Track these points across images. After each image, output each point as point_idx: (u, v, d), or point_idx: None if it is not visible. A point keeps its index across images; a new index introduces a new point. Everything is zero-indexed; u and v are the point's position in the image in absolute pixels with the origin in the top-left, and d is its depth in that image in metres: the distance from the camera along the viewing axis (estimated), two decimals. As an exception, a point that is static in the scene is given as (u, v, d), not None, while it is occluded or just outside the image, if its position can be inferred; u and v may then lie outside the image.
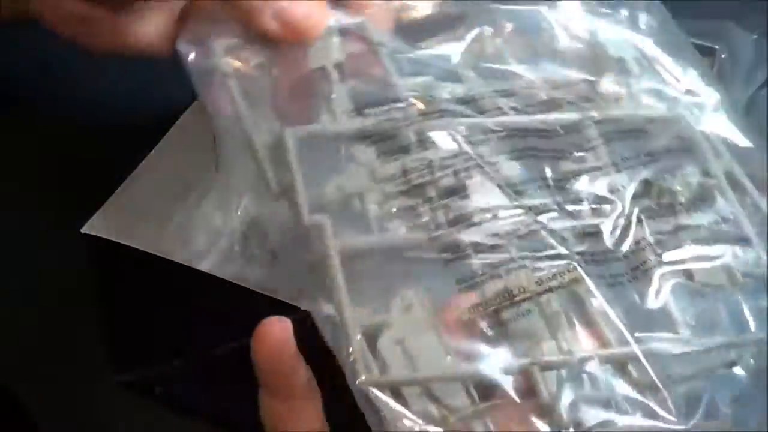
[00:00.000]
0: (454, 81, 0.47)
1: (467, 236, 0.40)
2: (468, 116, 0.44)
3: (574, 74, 0.49)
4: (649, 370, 0.39)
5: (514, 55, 0.48)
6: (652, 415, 0.39)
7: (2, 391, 0.46)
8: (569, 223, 0.42)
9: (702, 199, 0.46)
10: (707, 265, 0.43)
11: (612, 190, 0.44)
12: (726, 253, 0.44)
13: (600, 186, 0.44)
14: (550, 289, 0.39)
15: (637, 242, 0.43)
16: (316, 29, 0.44)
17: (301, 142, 0.42)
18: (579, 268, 0.40)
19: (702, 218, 0.45)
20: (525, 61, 0.49)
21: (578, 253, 0.41)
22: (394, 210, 0.41)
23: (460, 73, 0.48)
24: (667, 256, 0.43)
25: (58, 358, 0.46)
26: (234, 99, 0.44)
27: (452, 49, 0.48)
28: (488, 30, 0.49)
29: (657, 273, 0.42)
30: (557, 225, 0.42)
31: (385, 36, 0.47)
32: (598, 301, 0.40)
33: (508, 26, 0.49)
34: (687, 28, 0.52)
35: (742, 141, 0.48)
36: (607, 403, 0.38)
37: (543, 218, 0.42)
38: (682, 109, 0.48)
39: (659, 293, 0.42)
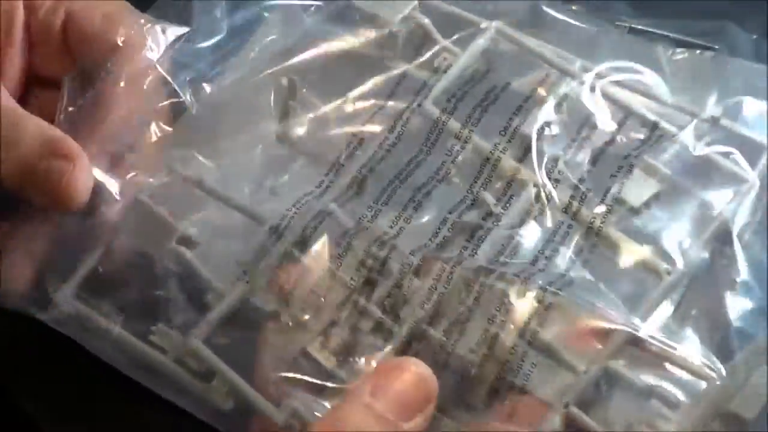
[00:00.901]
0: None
1: (431, 329, 0.39)
2: (341, 205, 0.43)
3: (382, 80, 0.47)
4: (657, 336, 0.38)
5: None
6: (689, 371, 0.38)
7: (2, 391, 0.46)
8: (501, 243, 0.41)
9: (586, 119, 0.44)
10: (634, 184, 0.42)
11: (510, 179, 0.43)
12: (641, 162, 0.42)
13: (498, 183, 0.43)
14: (535, 331, 0.38)
15: (564, 211, 0.41)
16: (78, 198, 0.42)
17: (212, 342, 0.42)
18: (548, 291, 0.39)
19: (598, 137, 0.43)
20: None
21: (540, 270, 0.40)
22: (344, 343, 0.40)
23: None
24: (600, 207, 0.41)
25: (58, 358, 0.46)
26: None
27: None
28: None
29: (610, 230, 0.41)
30: (495, 252, 0.41)
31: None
32: (581, 303, 0.39)
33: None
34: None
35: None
36: (648, 390, 0.38)
37: (483, 253, 0.41)
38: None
39: (622, 248, 0.41)
